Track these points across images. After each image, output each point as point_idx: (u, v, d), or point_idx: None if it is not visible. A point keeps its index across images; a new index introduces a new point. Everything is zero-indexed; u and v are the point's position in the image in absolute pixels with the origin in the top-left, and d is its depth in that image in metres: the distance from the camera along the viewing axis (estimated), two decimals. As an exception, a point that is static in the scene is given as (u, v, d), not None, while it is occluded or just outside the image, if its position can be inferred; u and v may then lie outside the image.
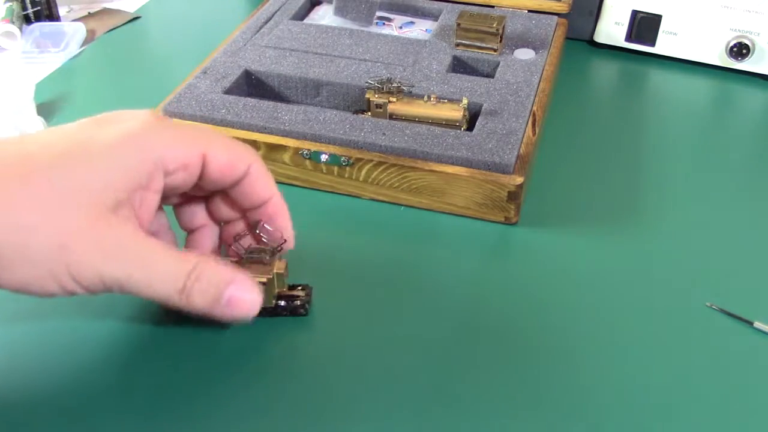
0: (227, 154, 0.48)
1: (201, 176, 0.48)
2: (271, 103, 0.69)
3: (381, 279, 0.58)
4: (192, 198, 0.53)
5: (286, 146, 0.65)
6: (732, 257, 0.61)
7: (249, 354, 0.52)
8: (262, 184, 0.51)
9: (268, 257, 0.52)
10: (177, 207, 0.54)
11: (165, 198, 0.50)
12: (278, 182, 0.68)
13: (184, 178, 0.47)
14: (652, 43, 0.87)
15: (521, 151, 0.64)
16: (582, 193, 0.68)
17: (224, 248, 0.55)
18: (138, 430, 0.47)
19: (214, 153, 0.47)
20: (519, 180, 0.62)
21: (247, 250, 0.52)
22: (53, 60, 0.86)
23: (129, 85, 0.83)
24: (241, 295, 0.46)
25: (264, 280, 0.51)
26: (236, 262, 0.52)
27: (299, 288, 0.55)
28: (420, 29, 0.86)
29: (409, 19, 0.88)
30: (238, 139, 0.66)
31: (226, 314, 0.46)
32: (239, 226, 0.53)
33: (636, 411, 0.49)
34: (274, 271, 0.52)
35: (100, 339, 0.53)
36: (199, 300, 0.44)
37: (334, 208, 0.65)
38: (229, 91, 0.71)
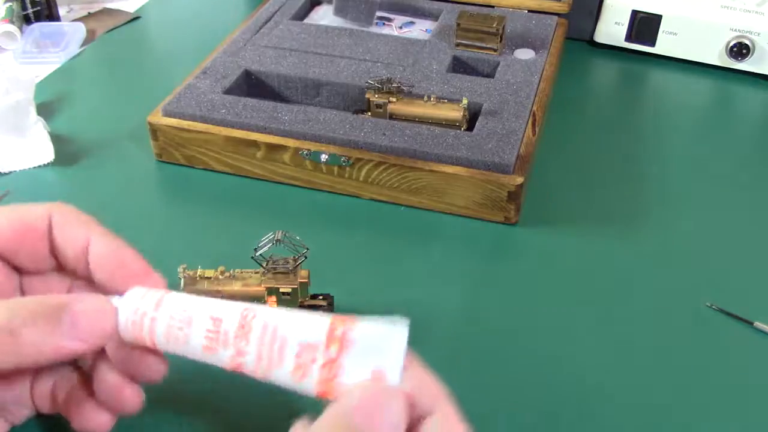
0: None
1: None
2: (271, 103, 0.69)
3: (381, 279, 0.58)
4: None
5: (286, 146, 0.65)
6: (732, 257, 0.61)
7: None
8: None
9: (291, 267, 0.51)
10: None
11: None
12: (278, 182, 0.69)
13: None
14: (652, 43, 0.87)
15: (521, 151, 0.64)
16: (582, 193, 0.68)
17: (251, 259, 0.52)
18: None
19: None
20: (519, 180, 0.62)
21: (270, 260, 0.52)
22: (53, 60, 0.86)
23: (129, 85, 0.83)
24: (84, 306, 0.36)
25: (289, 290, 0.51)
26: (260, 273, 0.52)
27: (320, 297, 0.54)
28: (420, 29, 0.86)
29: (409, 19, 0.88)
30: (238, 139, 0.67)
31: (72, 337, 0.36)
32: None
33: (636, 410, 0.49)
34: (298, 280, 0.51)
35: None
36: (30, 334, 0.35)
37: (334, 208, 0.65)
38: (229, 91, 0.71)
